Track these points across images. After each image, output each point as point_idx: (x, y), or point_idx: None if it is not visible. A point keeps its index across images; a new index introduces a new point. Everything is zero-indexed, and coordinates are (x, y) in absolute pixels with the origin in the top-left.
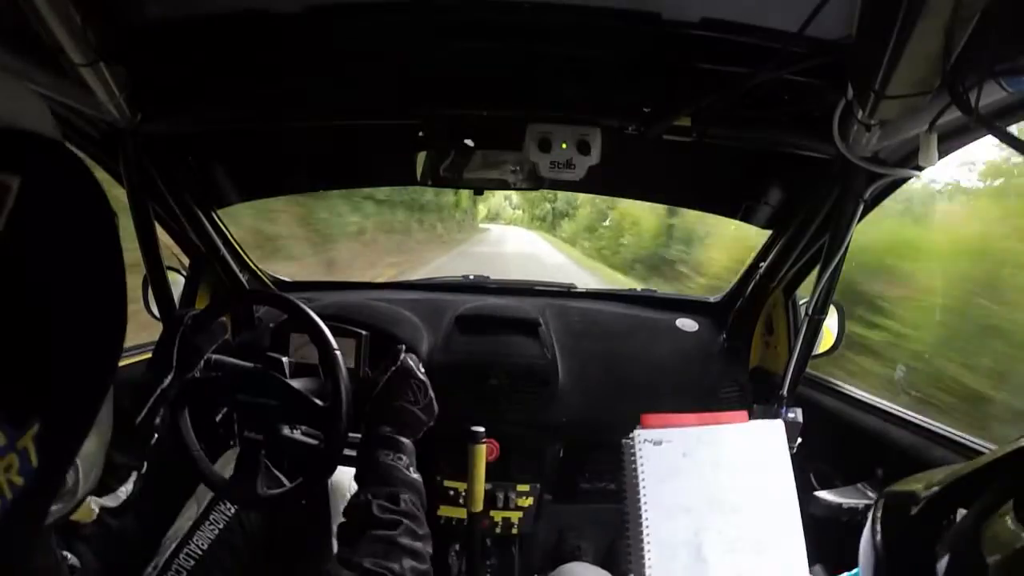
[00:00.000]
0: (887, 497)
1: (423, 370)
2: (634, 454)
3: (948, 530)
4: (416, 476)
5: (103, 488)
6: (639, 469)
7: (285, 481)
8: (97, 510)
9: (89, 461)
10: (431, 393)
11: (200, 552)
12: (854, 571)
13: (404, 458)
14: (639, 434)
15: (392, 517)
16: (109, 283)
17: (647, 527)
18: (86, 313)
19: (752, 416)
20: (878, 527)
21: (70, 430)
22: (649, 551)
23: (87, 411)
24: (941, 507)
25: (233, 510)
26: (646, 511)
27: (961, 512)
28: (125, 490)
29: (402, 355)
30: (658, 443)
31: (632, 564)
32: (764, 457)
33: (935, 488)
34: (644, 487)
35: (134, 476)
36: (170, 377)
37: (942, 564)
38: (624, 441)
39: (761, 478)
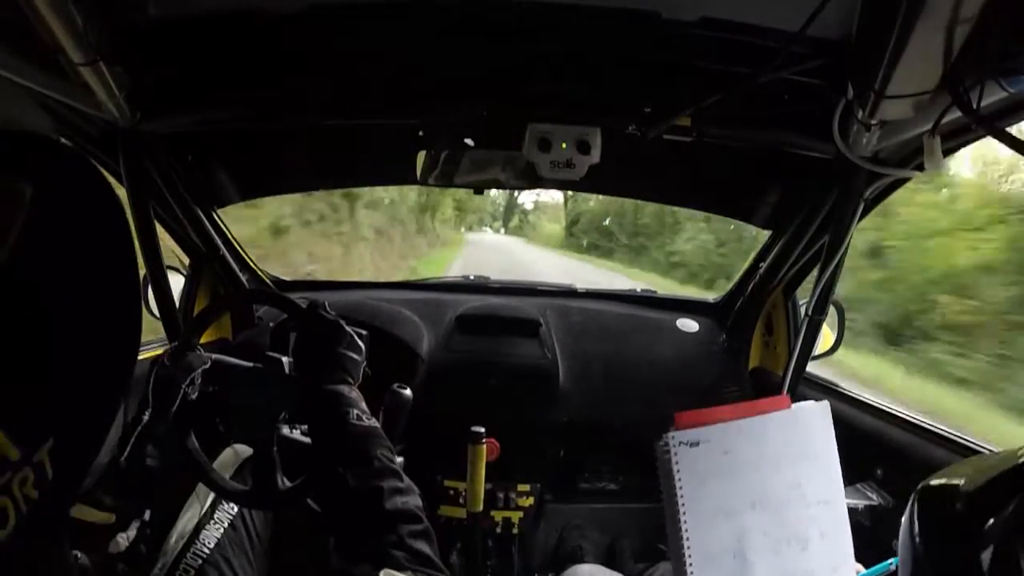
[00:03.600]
0: (923, 492)
1: (332, 312)
2: (669, 458)
3: (992, 524)
4: (371, 422)
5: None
6: (675, 474)
7: (284, 481)
8: (112, 516)
9: None
10: (349, 329)
11: (207, 551)
12: (888, 562)
13: (354, 410)
14: (674, 436)
15: (371, 485)
16: (123, 292)
17: (687, 535)
18: (99, 323)
19: None
20: (915, 522)
21: (84, 443)
22: (691, 560)
23: (101, 423)
24: (985, 501)
25: (236, 508)
26: (685, 519)
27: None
28: (126, 537)
29: (304, 303)
30: (695, 444)
31: (673, 573)
32: (810, 445)
33: (977, 482)
34: (682, 493)
35: (136, 524)
36: (148, 414)
37: (986, 559)
38: (658, 444)
39: (807, 469)
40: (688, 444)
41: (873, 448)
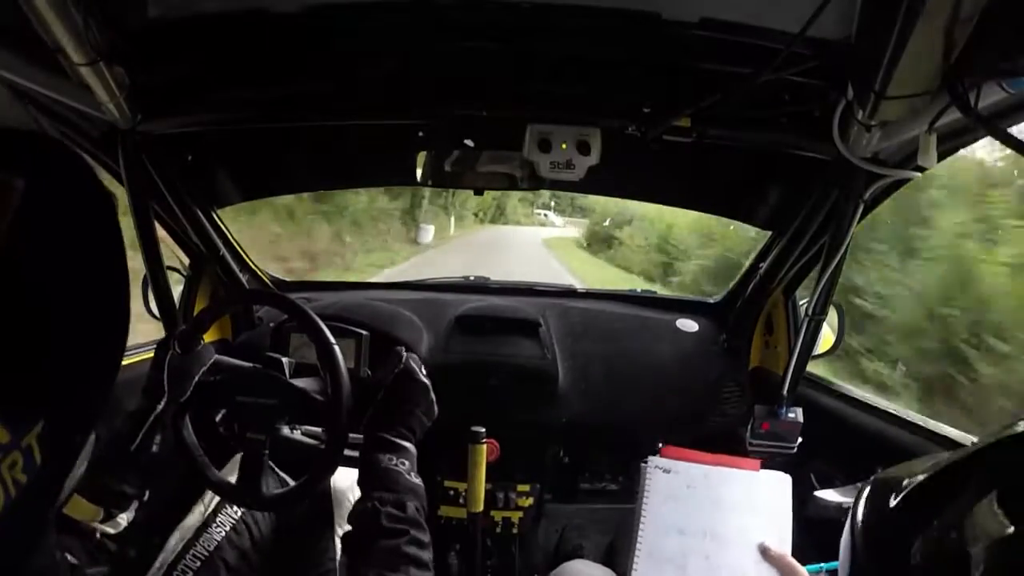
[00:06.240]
0: (872, 484)
1: (424, 372)
2: (644, 476)
3: (929, 519)
4: (418, 480)
5: (103, 516)
6: (645, 489)
7: (289, 481)
8: (99, 511)
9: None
10: (432, 396)
11: (206, 553)
12: (833, 564)
13: (407, 462)
14: (652, 460)
15: (398, 526)
16: (112, 283)
17: (641, 539)
18: (89, 313)
19: (753, 420)
20: (859, 513)
21: (73, 429)
22: (638, 559)
23: (90, 410)
24: (922, 496)
25: (239, 513)
26: (643, 525)
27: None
28: (125, 517)
29: (404, 356)
30: (667, 471)
31: (625, 569)
32: (766, 507)
33: (918, 476)
34: (646, 505)
35: (135, 504)
36: (163, 403)
37: (918, 551)
38: (641, 464)
39: (761, 526)
40: (662, 470)
41: (873, 448)
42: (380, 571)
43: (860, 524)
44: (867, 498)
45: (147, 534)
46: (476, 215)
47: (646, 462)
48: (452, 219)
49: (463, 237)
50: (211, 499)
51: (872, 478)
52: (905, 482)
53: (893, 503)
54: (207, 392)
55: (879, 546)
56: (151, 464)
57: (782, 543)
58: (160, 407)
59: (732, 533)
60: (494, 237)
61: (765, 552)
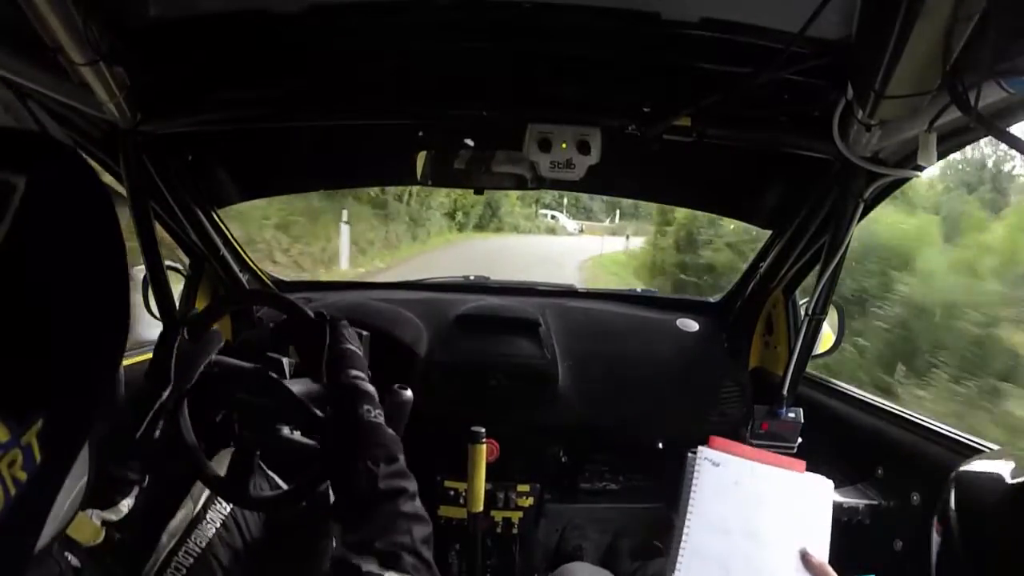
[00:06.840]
0: (957, 483)
1: (345, 320)
2: (694, 468)
3: None
4: (391, 429)
5: (106, 502)
6: (695, 482)
7: (281, 483)
8: (103, 529)
9: (76, 473)
10: (358, 333)
11: (199, 550)
12: None
13: (380, 412)
14: (702, 451)
15: (395, 484)
16: (112, 281)
17: (687, 534)
18: (89, 311)
19: (753, 420)
20: (951, 511)
21: (73, 427)
22: (683, 555)
23: (90, 409)
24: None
25: (229, 508)
26: (690, 520)
27: None
28: (127, 503)
29: (307, 309)
30: (716, 464)
31: (668, 563)
32: (806, 508)
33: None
34: (694, 499)
35: (136, 490)
36: (168, 390)
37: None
38: (689, 454)
39: (800, 528)
40: (711, 462)
41: (873, 448)
42: (385, 538)
43: (956, 521)
44: (955, 497)
45: (147, 520)
46: (452, 216)
47: (695, 452)
48: (344, 243)
49: (393, 270)
50: (200, 494)
51: (952, 476)
52: (1008, 480)
53: (994, 500)
54: (209, 386)
55: (982, 542)
56: (153, 450)
57: (820, 550)
58: (165, 395)
59: (773, 534)
60: (468, 264)
61: (806, 558)
